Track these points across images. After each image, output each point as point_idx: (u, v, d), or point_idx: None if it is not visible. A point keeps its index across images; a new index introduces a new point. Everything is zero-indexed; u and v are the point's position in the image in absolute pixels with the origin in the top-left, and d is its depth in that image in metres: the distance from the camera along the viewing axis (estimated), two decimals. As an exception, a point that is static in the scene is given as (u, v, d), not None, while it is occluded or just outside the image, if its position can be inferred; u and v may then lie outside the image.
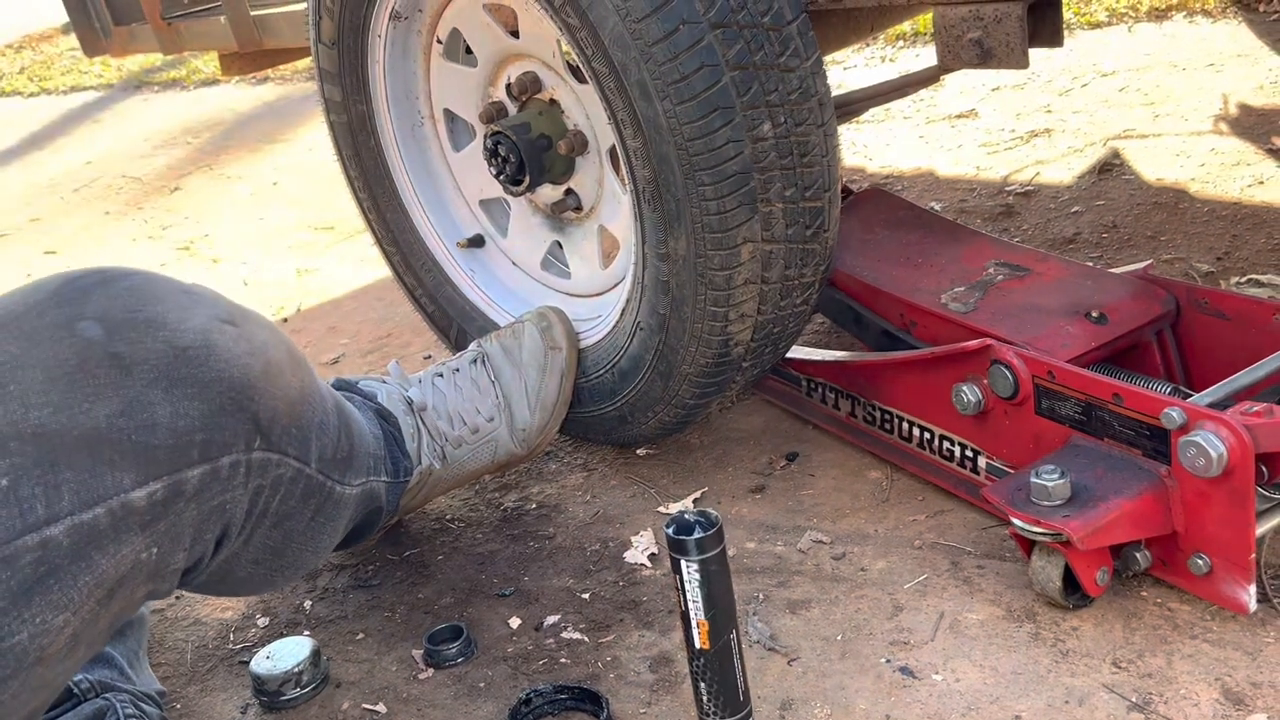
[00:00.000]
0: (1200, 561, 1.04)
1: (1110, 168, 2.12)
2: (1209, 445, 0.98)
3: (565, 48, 1.30)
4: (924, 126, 2.53)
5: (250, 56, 2.20)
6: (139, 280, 0.78)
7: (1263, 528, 1.03)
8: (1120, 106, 2.39)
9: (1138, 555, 1.08)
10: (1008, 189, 2.13)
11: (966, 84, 2.70)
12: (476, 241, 1.59)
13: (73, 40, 5.27)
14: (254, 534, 0.85)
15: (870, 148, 2.50)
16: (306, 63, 4.00)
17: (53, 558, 0.70)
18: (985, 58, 1.33)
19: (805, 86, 1.14)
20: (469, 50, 1.46)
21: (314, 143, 3.50)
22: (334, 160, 1.65)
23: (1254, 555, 1.01)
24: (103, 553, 0.72)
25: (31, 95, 5.35)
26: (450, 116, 1.55)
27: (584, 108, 1.34)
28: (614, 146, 1.31)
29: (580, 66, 1.19)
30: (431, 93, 1.54)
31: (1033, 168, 2.20)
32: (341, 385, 1.26)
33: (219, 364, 0.77)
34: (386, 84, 1.52)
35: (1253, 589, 1.02)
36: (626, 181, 1.22)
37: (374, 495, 1.05)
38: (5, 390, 0.70)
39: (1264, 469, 1.03)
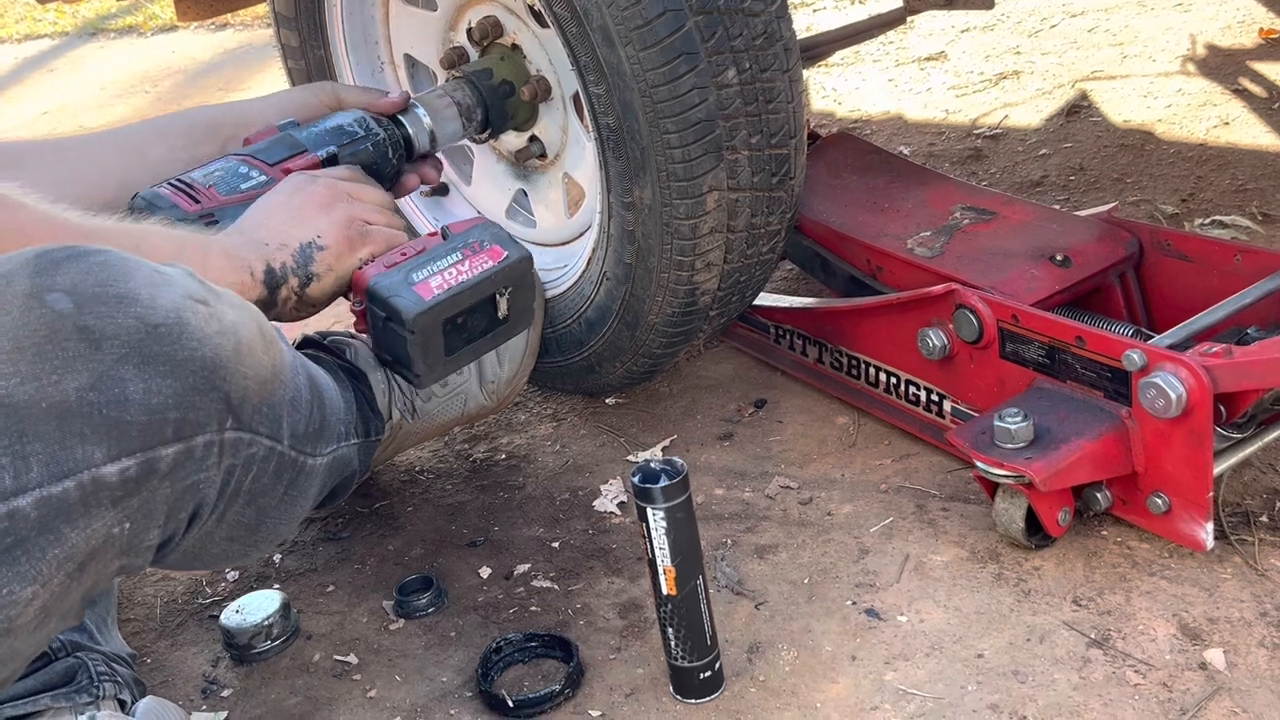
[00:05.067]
0: (1159, 500, 1.06)
1: (1078, 110, 2.12)
2: (1168, 386, 1.00)
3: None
4: (893, 69, 2.52)
5: (207, 1, 2.14)
6: (112, 256, 0.77)
7: (1220, 467, 1.05)
8: (1089, 48, 2.38)
9: (1099, 495, 1.10)
10: (976, 132, 2.13)
11: (935, 26, 2.68)
12: (441, 190, 1.57)
13: (24, -14, 5.12)
14: (227, 512, 0.85)
15: (839, 91, 2.48)
16: (265, 8, 3.91)
17: (20, 529, 0.69)
18: (951, -1, 1.32)
19: (770, 31, 1.13)
20: (428, -8, 1.43)
21: (276, 90, 3.44)
22: (294, 109, 1.62)
23: (1212, 494, 1.03)
24: (72, 526, 0.72)
25: (-16, 44, 5.21)
26: (410, 62, 1.52)
27: (547, 53, 1.32)
28: (578, 93, 1.30)
29: (541, 9, 1.17)
30: (391, 37, 1.51)
31: (1001, 110, 2.19)
32: (309, 342, 1.25)
33: (191, 342, 0.76)
34: (344, 28, 1.49)
35: (1210, 527, 1.04)
36: (590, 129, 1.20)
37: (346, 460, 1.04)
38: None
39: (1222, 409, 1.04)
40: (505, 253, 1.12)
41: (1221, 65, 2.15)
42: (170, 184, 1.11)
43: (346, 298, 1.12)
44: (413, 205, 1.56)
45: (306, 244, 1.06)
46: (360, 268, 1.09)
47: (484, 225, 1.15)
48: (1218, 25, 2.32)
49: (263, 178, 1.13)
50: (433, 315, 1.07)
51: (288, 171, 1.15)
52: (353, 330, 1.32)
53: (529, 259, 1.16)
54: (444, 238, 1.13)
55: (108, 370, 0.72)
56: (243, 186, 1.12)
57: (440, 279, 1.08)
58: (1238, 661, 0.97)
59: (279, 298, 1.04)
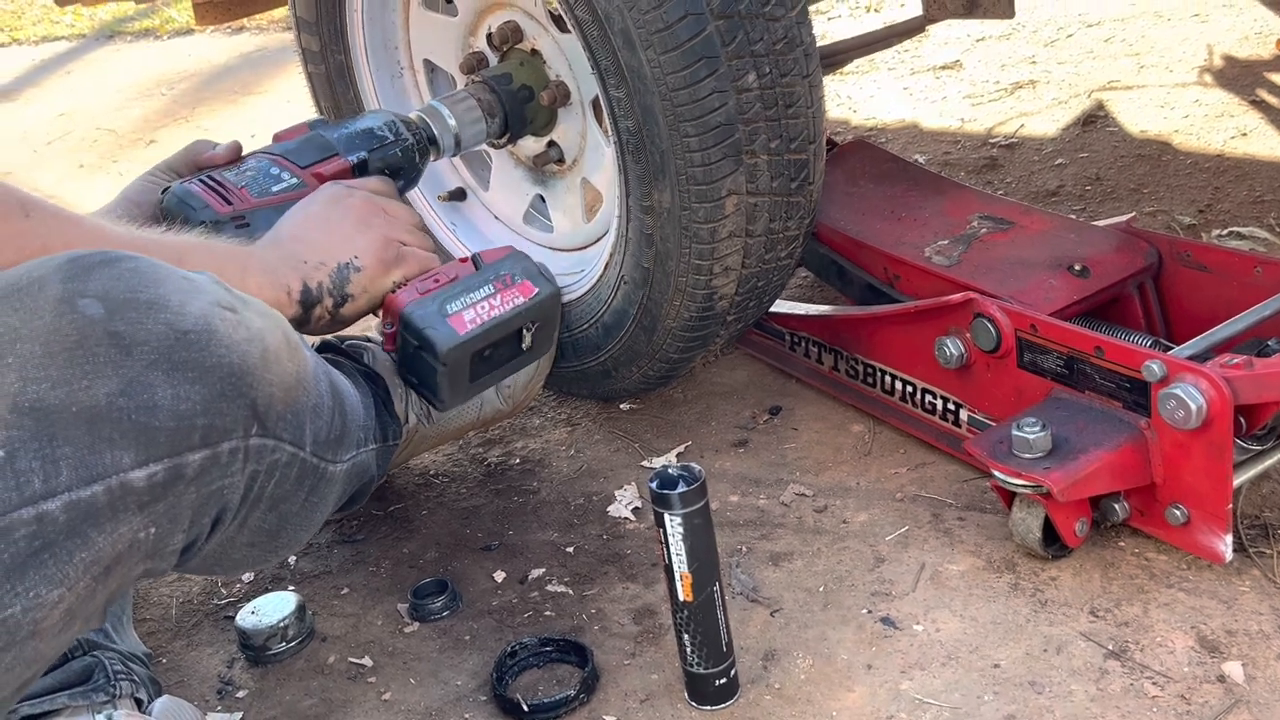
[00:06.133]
0: (1178, 512, 1.05)
1: (1094, 120, 2.12)
2: (1188, 397, 0.99)
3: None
4: (908, 78, 2.51)
5: (224, 5, 2.15)
6: (142, 264, 0.78)
7: (1240, 478, 1.05)
8: (1105, 58, 2.38)
9: (1116, 506, 1.10)
10: (992, 141, 2.13)
11: (951, 35, 2.68)
12: (458, 195, 1.57)
13: (42, -12, 5.16)
14: (249, 518, 0.85)
15: (854, 99, 2.48)
16: (283, 12, 3.91)
17: (48, 532, 0.70)
18: (971, 8, 1.32)
19: (790, 36, 1.13)
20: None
21: (292, 94, 3.44)
22: (312, 113, 1.63)
23: (1231, 506, 1.02)
24: (99, 530, 0.72)
25: (2, 46, 5.24)
26: (430, 67, 1.53)
27: (566, 58, 1.32)
28: (597, 98, 1.30)
29: (563, 15, 1.18)
30: (411, 42, 1.52)
31: (1017, 120, 2.19)
32: (327, 346, 1.25)
33: (219, 349, 0.77)
34: (365, 33, 1.50)
35: (1229, 539, 1.04)
36: (610, 133, 1.20)
37: (365, 466, 1.05)
38: (3, 362, 0.70)
39: (1242, 420, 1.04)
40: (536, 289, 1.14)
41: (1239, 76, 2.15)
42: (202, 181, 1.12)
43: (375, 314, 1.12)
44: (430, 210, 1.57)
45: (344, 264, 1.07)
46: (394, 290, 1.10)
47: (515, 257, 1.16)
48: (1235, 36, 2.32)
49: (294, 180, 1.14)
50: (464, 349, 1.09)
51: (319, 175, 1.15)
52: (369, 335, 1.32)
53: (557, 295, 1.18)
54: (476, 266, 1.14)
55: (137, 376, 0.72)
56: (274, 189, 1.13)
57: (473, 313, 1.09)
58: (1256, 675, 0.96)
59: (313, 316, 1.05)
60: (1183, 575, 1.07)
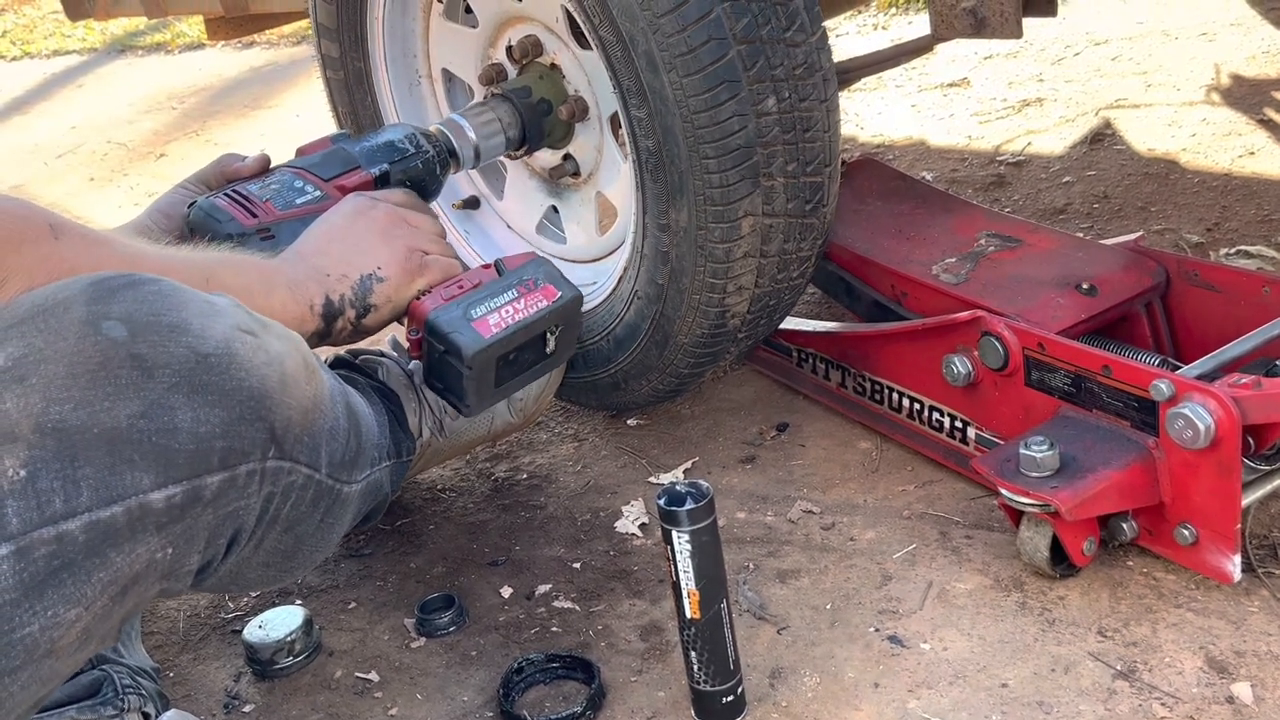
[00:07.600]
0: (1186, 532, 1.05)
1: (1102, 138, 2.12)
2: (1197, 417, 0.99)
3: (569, 11, 1.29)
4: (916, 95, 2.52)
5: (236, 21, 2.17)
6: (165, 286, 0.79)
7: (1249, 498, 1.05)
8: (1112, 76, 2.38)
9: (1124, 525, 1.10)
10: (999, 159, 2.13)
11: (959, 52, 2.69)
12: (471, 203, 1.58)
13: (56, 3, 5.19)
14: (265, 539, 0.86)
15: (862, 116, 2.49)
16: (293, 27, 3.94)
17: (68, 552, 0.70)
18: (979, 27, 1.32)
19: (810, 61, 1.14)
20: (469, 10, 1.45)
21: (301, 108, 3.46)
22: (321, 126, 1.63)
23: (1239, 525, 1.02)
24: (118, 551, 0.72)
25: (14, 59, 5.27)
26: (448, 77, 1.54)
27: (585, 73, 1.33)
28: (615, 113, 1.31)
29: (585, 33, 1.19)
30: (430, 52, 1.53)
31: (1024, 137, 2.19)
32: (341, 362, 1.26)
33: (239, 373, 0.77)
34: (385, 42, 1.51)
35: (1237, 559, 1.03)
36: (629, 152, 1.21)
37: (379, 484, 1.05)
38: (27, 382, 0.70)
39: (1251, 440, 1.04)
40: (559, 293, 1.15)
41: (1246, 95, 2.15)
42: (227, 195, 1.13)
43: (400, 323, 1.13)
44: (444, 218, 1.58)
45: (366, 275, 1.07)
46: (418, 298, 1.11)
47: (537, 262, 1.17)
48: (1242, 55, 2.32)
49: (317, 193, 1.15)
50: (490, 353, 1.09)
51: (341, 188, 1.16)
52: (382, 350, 1.33)
53: (580, 299, 1.19)
54: (499, 272, 1.15)
55: (159, 398, 0.73)
56: (298, 201, 1.14)
57: (498, 316, 1.10)
58: (1265, 695, 0.96)
59: (335, 328, 1.06)
60: (1191, 595, 1.07)
